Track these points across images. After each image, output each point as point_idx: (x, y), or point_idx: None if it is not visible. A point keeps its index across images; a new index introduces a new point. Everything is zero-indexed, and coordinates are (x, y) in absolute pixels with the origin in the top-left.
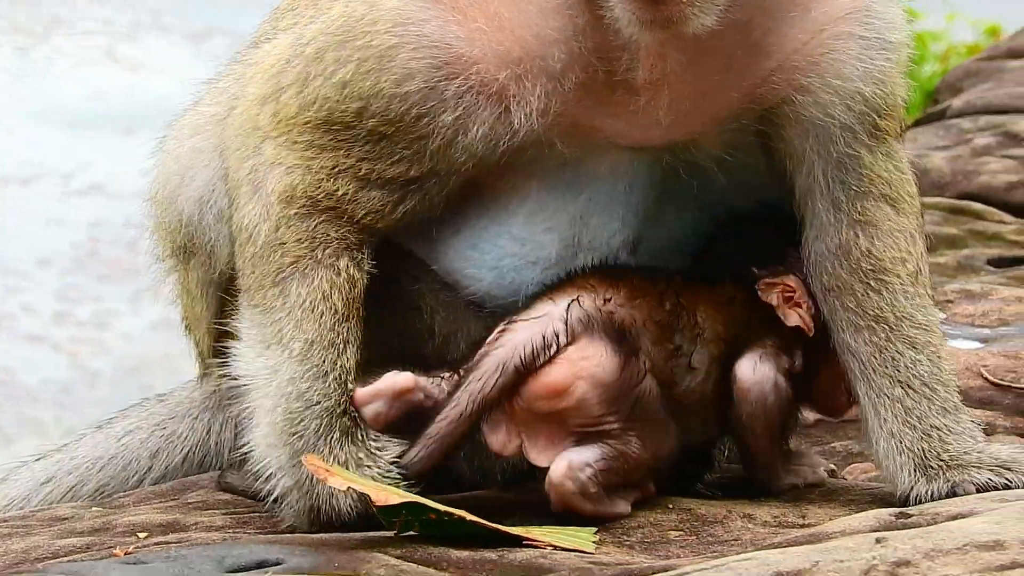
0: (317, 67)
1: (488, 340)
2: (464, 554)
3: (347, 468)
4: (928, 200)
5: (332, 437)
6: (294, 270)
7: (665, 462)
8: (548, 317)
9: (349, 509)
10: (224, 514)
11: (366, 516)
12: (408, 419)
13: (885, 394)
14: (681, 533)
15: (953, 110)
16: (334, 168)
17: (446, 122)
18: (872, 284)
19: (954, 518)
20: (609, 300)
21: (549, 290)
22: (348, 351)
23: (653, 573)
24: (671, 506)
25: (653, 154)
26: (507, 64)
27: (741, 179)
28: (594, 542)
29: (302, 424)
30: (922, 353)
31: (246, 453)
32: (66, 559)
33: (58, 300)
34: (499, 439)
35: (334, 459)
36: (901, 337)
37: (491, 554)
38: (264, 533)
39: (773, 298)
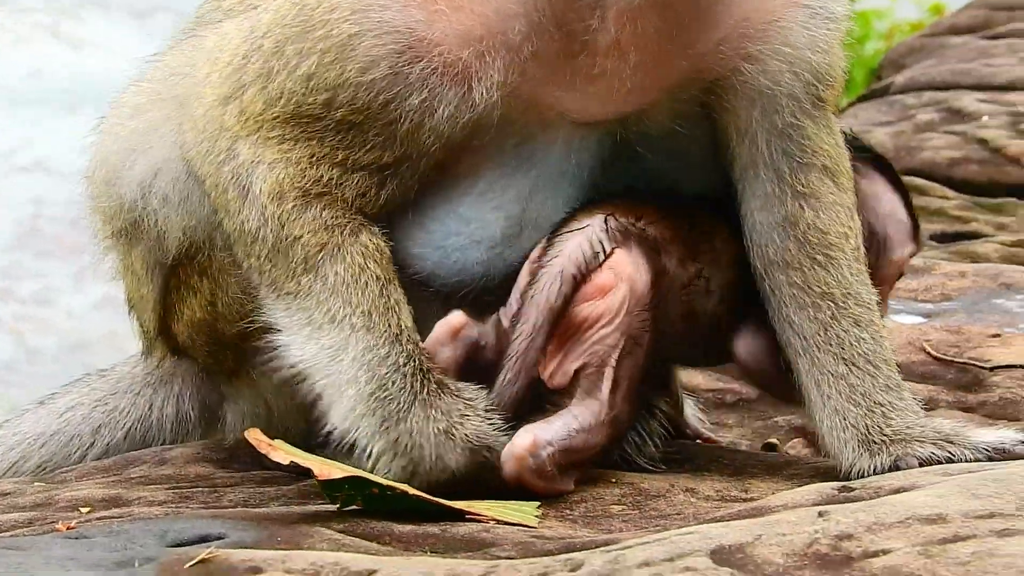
0: (278, 61)
1: (533, 257)
2: (407, 528)
3: (450, 420)
4: None
5: (427, 395)
6: (323, 255)
7: (619, 440)
8: (591, 227)
9: (457, 460)
10: (167, 489)
11: (474, 465)
12: (473, 366)
13: (829, 371)
14: (624, 507)
15: (896, 86)
16: (312, 156)
17: (413, 105)
18: (819, 259)
19: (897, 492)
20: (640, 219)
21: (582, 209)
22: (403, 311)
23: (595, 547)
24: (614, 480)
25: (602, 129)
26: (469, 42)
27: (684, 153)
28: (537, 516)
29: (394, 386)
30: (866, 331)
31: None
32: (8, 534)
33: (1, 278)
34: (553, 364)
35: (435, 417)
36: (847, 315)
37: (434, 528)
38: (207, 508)
39: None
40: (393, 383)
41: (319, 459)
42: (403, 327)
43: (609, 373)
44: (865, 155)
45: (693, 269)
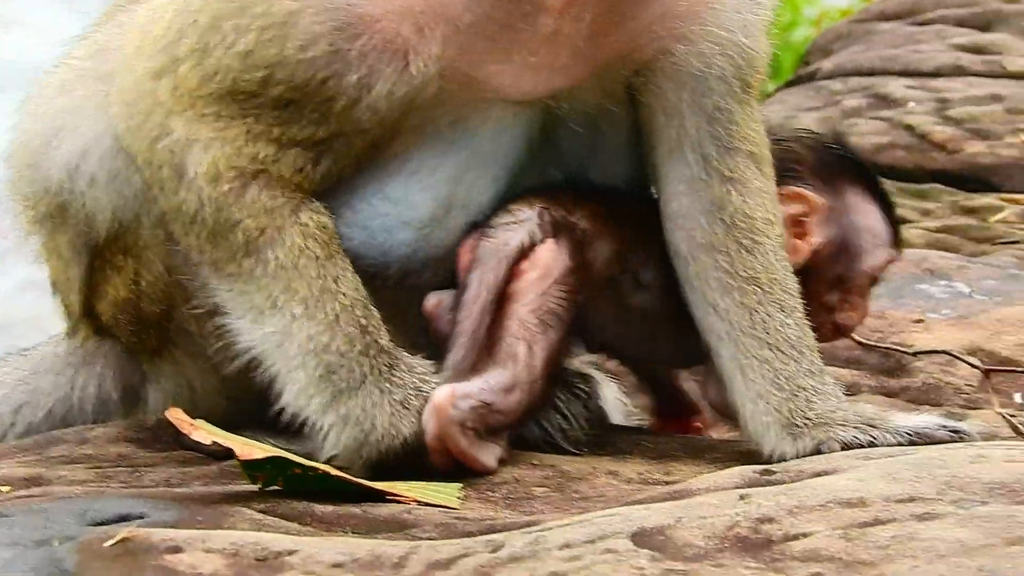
0: (215, 37)
1: (471, 243)
2: (328, 509)
3: (405, 392)
4: None
5: (378, 374)
6: (263, 239)
7: (535, 413)
8: (529, 219)
9: (411, 428)
10: (88, 468)
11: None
12: None
13: (754, 356)
14: (546, 489)
15: (824, 72)
16: (248, 133)
17: (351, 82)
18: (746, 244)
19: (818, 475)
20: (574, 212)
21: (522, 198)
22: (344, 284)
23: (517, 528)
24: (536, 462)
25: (532, 108)
26: (408, 16)
27: (608, 136)
28: (459, 497)
29: (342, 370)
30: (790, 317)
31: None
32: None
33: None
34: None
35: (388, 391)
36: (772, 300)
37: (355, 509)
38: (128, 487)
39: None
40: (341, 367)
41: (241, 439)
42: (343, 307)
43: (523, 342)
44: (846, 163)
45: (621, 264)
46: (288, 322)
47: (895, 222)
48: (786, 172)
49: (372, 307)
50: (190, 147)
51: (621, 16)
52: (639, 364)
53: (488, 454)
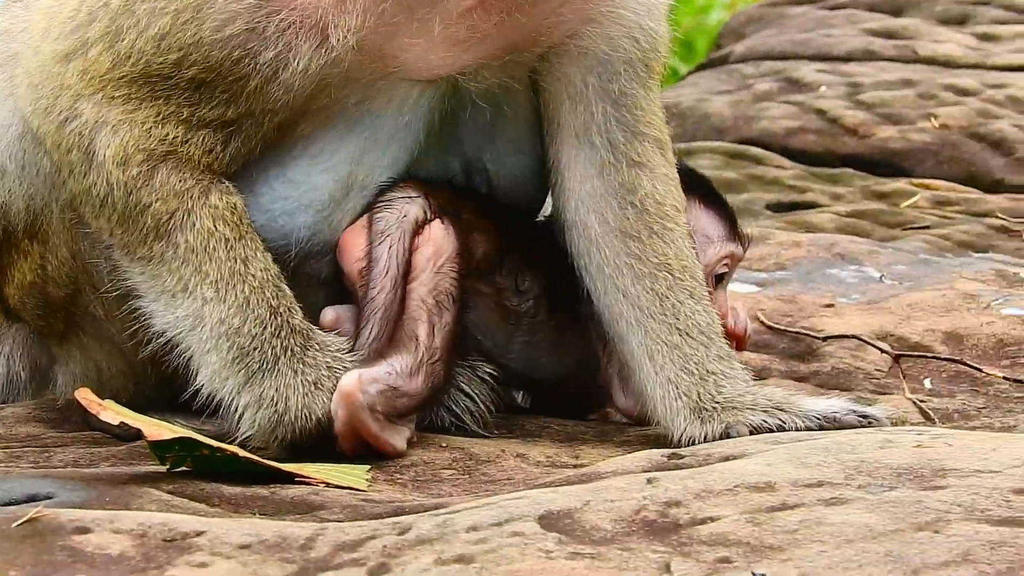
0: (128, 20)
1: (364, 221)
2: (236, 490)
3: (319, 373)
4: (709, 144)
5: (291, 355)
6: (172, 223)
7: (440, 394)
8: (420, 197)
9: (324, 408)
10: None
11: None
12: None
13: (663, 341)
14: (454, 472)
15: (736, 55)
16: (158, 115)
17: (266, 60)
18: (656, 229)
19: (726, 459)
20: (454, 203)
21: (407, 182)
22: (254, 265)
23: (425, 511)
24: (444, 445)
25: (435, 89)
26: None
27: (506, 122)
28: (367, 480)
29: (255, 351)
30: (700, 304)
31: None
32: None
33: None
34: None
35: (302, 371)
36: (683, 287)
37: (263, 490)
38: (36, 467)
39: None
40: (254, 349)
41: (149, 420)
42: (252, 289)
43: (424, 324)
44: (682, 173)
45: (499, 261)
46: (199, 306)
47: (730, 219)
48: None
49: (284, 285)
50: (99, 130)
51: (519, 7)
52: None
53: (398, 437)
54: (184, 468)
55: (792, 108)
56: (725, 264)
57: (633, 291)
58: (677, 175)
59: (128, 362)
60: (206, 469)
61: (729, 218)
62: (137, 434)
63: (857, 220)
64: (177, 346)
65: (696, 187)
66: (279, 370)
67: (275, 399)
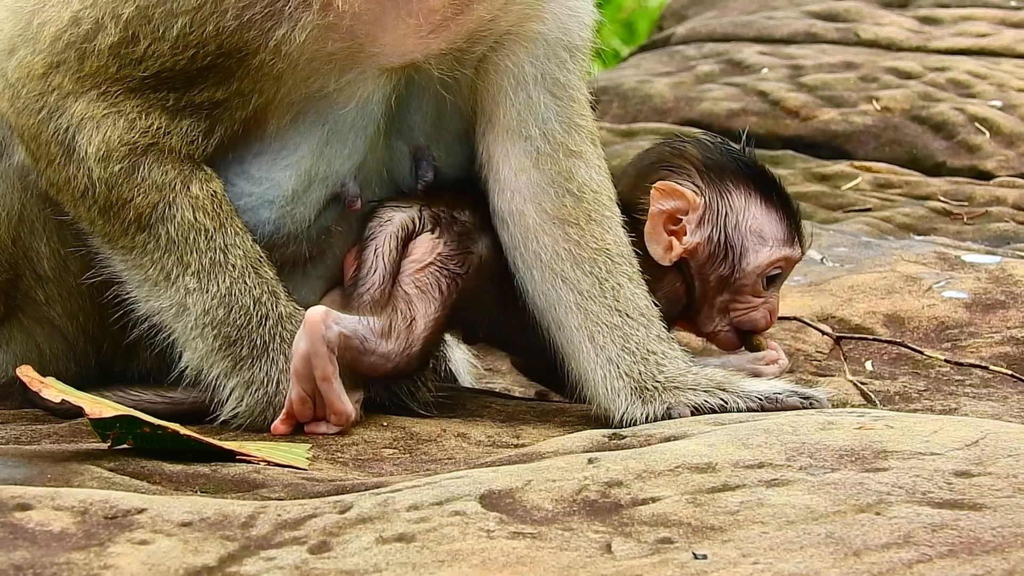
0: (144, 27)
1: (370, 223)
2: (177, 468)
3: None
4: (650, 125)
5: (279, 342)
6: (155, 215)
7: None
8: (410, 208)
9: None
10: None
11: None
12: None
13: (604, 322)
14: (395, 451)
15: (677, 37)
16: (145, 104)
17: (277, 37)
18: (595, 216)
19: (667, 440)
20: (455, 208)
21: (404, 196)
22: (234, 254)
23: (366, 490)
24: (386, 424)
25: (391, 79)
26: None
27: (453, 110)
28: (308, 458)
29: (241, 340)
30: (638, 288)
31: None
32: None
33: None
34: None
35: (290, 356)
36: (621, 271)
37: (204, 468)
38: None
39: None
40: (241, 338)
41: (91, 397)
42: (233, 280)
43: (403, 303)
44: (740, 165)
45: (498, 262)
46: (183, 295)
47: (793, 223)
48: (669, 168)
49: (265, 269)
50: (82, 127)
51: None
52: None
53: (347, 398)
54: (125, 445)
55: (734, 90)
56: (779, 267)
57: (573, 275)
58: (607, 168)
59: (69, 344)
60: (148, 446)
61: (790, 220)
62: (78, 411)
63: (799, 202)
64: (162, 331)
65: (759, 186)
66: (268, 356)
67: (265, 382)
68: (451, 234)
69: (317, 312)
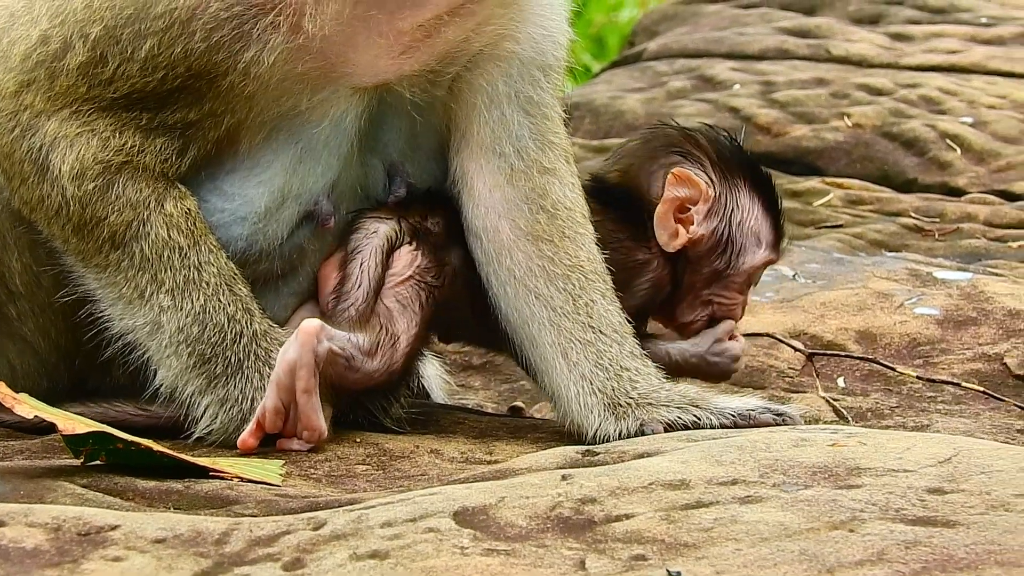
0: (112, 47)
1: (352, 235)
2: (150, 484)
3: None
4: (622, 141)
5: (253, 360)
6: (129, 233)
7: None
8: (391, 220)
9: None
10: None
11: None
12: None
13: (577, 338)
14: (368, 467)
15: (649, 52)
16: (118, 123)
17: (246, 59)
18: (568, 233)
19: (641, 457)
20: (427, 219)
21: (381, 208)
22: (207, 272)
23: (339, 506)
24: (359, 440)
25: (365, 98)
26: None
27: (425, 129)
28: (281, 475)
29: (216, 358)
30: (612, 304)
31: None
32: None
33: None
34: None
35: (267, 374)
36: (595, 288)
37: (177, 485)
38: None
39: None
40: (215, 356)
41: (64, 413)
42: (207, 297)
43: (389, 320)
44: (745, 162)
45: (473, 274)
46: (157, 313)
47: (780, 228)
48: (683, 154)
49: (239, 287)
50: (55, 146)
51: (469, 8)
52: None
53: (320, 414)
54: (98, 461)
55: (705, 106)
56: (763, 269)
57: (546, 292)
58: (580, 186)
59: (41, 359)
60: (121, 463)
61: (780, 224)
62: (51, 428)
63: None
64: (136, 349)
65: (762, 188)
66: (243, 374)
67: (240, 399)
68: (427, 245)
69: (313, 324)
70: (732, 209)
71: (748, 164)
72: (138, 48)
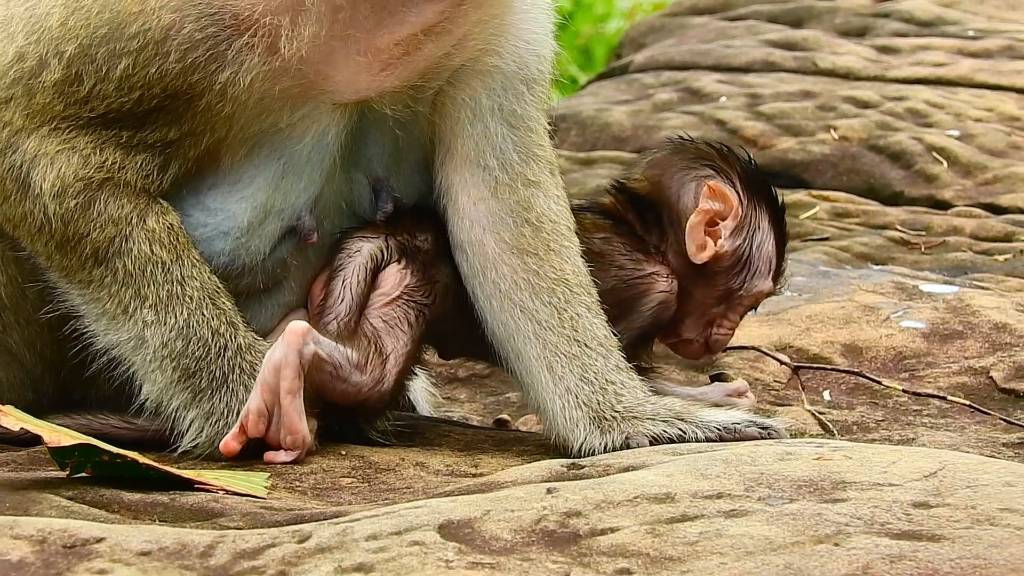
0: (88, 66)
1: (339, 254)
2: (136, 497)
3: None
4: (608, 154)
5: (238, 373)
6: (111, 250)
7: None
8: (378, 239)
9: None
10: None
11: None
12: None
13: (562, 352)
14: (353, 480)
15: (636, 65)
16: (99, 140)
17: (222, 80)
18: (553, 246)
19: (626, 470)
20: (416, 236)
21: (369, 226)
22: (191, 287)
23: (325, 519)
24: (344, 453)
25: (347, 114)
26: (284, 10)
27: (410, 144)
28: (266, 487)
29: (201, 371)
30: (597, 318)
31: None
32: None
33: None
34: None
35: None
36: (580, 301)
37: (163, 497)
38: None
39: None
40: (200, 369)
41: (49, 425)
42: (190, 311)
43: (379, 337)
44: (766, 189)
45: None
46: (140, 328)
47: (783, 259)
48: (716, 169)
49: (223, 300)
50: (35, 164)
51: (448, 24)
52: None
53: (306, 421)
54: (84, 474)
55: (692, 118)
56: (765, 296)
57: (531, 305)
58: (566, 198)
59: (26, 371)
60: (106, 475)
61: (784, 255)
62: (37, 439)
63: None
64: (121, 363)
65: (777, 212)
66: (229, 387)
67: (225, 413)
68: (416, 263)
69: (300, 325)
70: (755, 230)
71: (768, 190)
72: (113, 67)
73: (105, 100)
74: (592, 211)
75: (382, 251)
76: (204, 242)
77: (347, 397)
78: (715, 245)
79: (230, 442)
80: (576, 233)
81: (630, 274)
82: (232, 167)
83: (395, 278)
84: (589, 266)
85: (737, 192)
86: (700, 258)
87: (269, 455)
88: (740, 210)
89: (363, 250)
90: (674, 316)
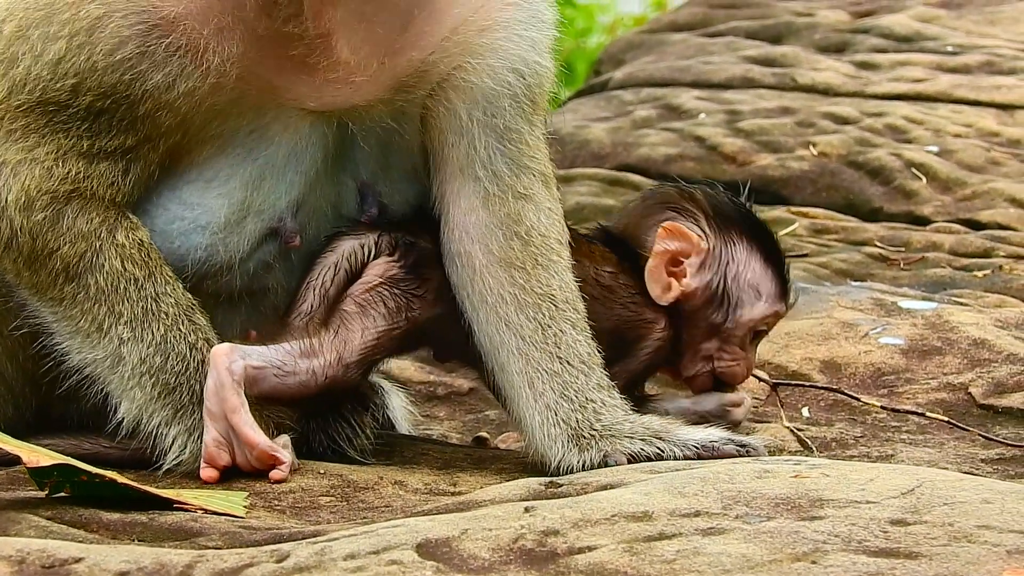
0: (22, 46)
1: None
2: (114, 516)
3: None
4: (588, 171)
5: None
6: (82, 265)
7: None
8: (365, 237)
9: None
10: None
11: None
12: None
13: (544, 369)
14: (332, 499)
15: (615, 81)
16: (59, 150)
17: (155, 83)
18: (541, 261)
19: (604, 488)
20: (418, 235)
21: (367, 225)
22: (164, 303)
23: (303, 538)
24: (323, 472)
25: (330, 119)
26: (210, 17)
27: (398, 153)
28: (245, 506)
29: (180, 386)
30: (581, 335)
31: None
32: None
33: None
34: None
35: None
36: (565, 317)
37: (141, 517)
38: None
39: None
40: (180, 384)
41: (28, 445)
42: (167, 327)
43: (339, 321)
44: (744, 217)
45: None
46: (117, 345)
47: (784, 280)
48: (677, 209)
49: (197, 316)
50: None
51: (401, 40)
52: None
53: (260, 431)
54: (63, 494)
55: (671, 135)
56: (768, 323)
57: (516, 320)
58: (560, 208)
59: (8, 388)
60: (85, 494)
61: (783, 277)
62: (15, 460)
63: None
64: (97, 382)
65: (761, 240)
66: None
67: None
68: (408, 259)
69: (221, 348)
70: (727, 262)
71: (748, 219)
72: (46, 50)
73: (40, 84)
74: (601, 240)
75: (365, 247)
76: (182, 235)
77: (307, 388)
78: (680, 284)
79: (204, 471)
80: (570, 246)
81: (633, 316)
82: (203, 163)
83: (379, 268)
84: (594, 299)
85: (700, 228)
86: (665, 299)
87: (273, 474)
88: (704, 245)
89: (338, 248)
90: (668, 357)
